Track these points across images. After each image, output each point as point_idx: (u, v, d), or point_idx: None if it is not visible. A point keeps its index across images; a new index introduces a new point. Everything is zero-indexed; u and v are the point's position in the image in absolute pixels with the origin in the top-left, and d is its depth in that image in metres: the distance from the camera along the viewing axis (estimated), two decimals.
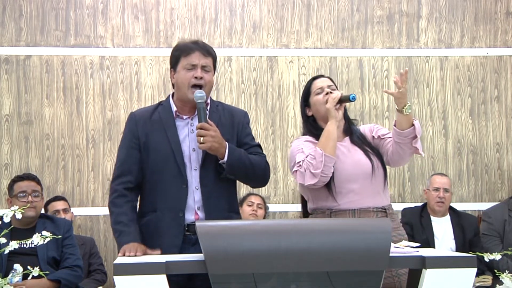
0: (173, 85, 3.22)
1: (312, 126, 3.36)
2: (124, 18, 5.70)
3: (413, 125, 3.14)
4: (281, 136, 5.75)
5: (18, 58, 5.57)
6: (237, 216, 3.24)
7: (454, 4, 5.94)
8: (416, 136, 3.15)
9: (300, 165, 3.15)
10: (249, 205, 5.29)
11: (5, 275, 3.06)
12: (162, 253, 2.90)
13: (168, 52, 5.52)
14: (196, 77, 3.09)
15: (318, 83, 3.36)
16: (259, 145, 3.28)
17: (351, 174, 3.18)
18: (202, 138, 2.97)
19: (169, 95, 3.26)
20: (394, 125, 3.18)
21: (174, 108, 3.17)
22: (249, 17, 5.81)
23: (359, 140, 3.30)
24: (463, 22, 5.94)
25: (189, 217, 3.03)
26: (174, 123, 3.13)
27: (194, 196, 3.05)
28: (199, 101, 3.04)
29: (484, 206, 5.66)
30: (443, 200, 5.26)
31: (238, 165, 3.06)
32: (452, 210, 5.39)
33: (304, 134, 3.41)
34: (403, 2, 5.92)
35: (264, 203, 5.41)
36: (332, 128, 3.15)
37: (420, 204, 5.46)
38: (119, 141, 5.42)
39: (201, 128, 2.99)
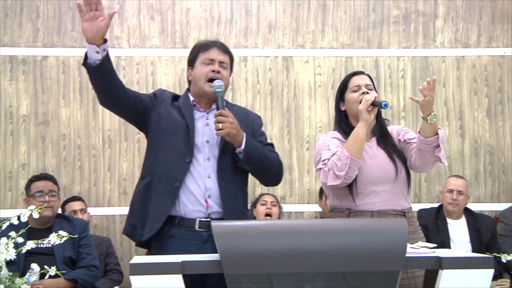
0: (189, 82, 3.26)
1: (343, 122, 3.34)
2: (140, 19, 5.72)
3: (437, 133, 3.11)
4: (297, 136, 5.74)
5: (35, 59, 5.60)
6: (248, 212, 3.27)
7: (471, 4, 5.91)
8: (439, 145, 3.11)
9: (325, 163, 3.14)
10: (263, 204, 5.30)
11: (22, 275, 3.07)
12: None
13: (184, 53, 5.63)
14: (213, 71, 3.12)
15: (356, 80, 3.32)
16: (272, 145, 3.31)
17: (374, 177, 3.17)
18: (220, 125, 2.98)
19: (186, 89, 3.31)
20: (419, 132, 3.15)
21: (191, 98, 3.22)
22: (264, 17, 5.81)
23: (386, 142, 3.28)
24: (480, 22, 5.91)
25: (198, 203, 3.04)
26: (191, 109, 3.18)
27: (206, 184, 3.05)
28: (218, 90, 3.09)
29: (501, 206, 5.63)
30: (457, 202, 5.22)
31: (254, 154, 3.08)
32: (468, 212, 5.35)
33: (334, 129, 3.39)
34: (419, 2, 5.90)
35: (277, 201, 5.41)
36: (361, 131, 3.12)
37: (436, 204, 5.44)
38: (135, 141, 5.55)
39: (220, 115, 3.01)
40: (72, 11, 5.66)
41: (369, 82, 3.33)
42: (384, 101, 3.16)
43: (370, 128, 3.27)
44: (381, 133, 3.32)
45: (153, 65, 5.69)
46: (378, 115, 3.31)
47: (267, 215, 5.24)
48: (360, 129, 3.13)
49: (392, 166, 3.21)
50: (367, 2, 5.87)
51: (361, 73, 3.42)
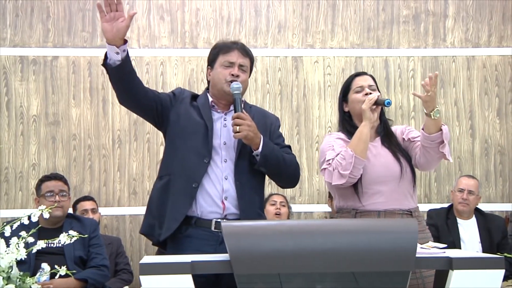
0: (208, 82, 3.26)
1: (347, 123, 3.34)
2: (149, 19, 5.74)
3: (441, 129, 3.10)
4: (306, 136, 5.74)
5: (45, 59, 5.63)
6: (264, 215, 3.26)
7: (481, 3, 5.89)
8: (443, 141, 3.10)
9: (329, 163, 3.14)
10: (272, 204, 5.30)
11: (32, 274, 3.08)
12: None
13: (193, 53, 5.66)
14: (232, 74, 3.11)
15: (359, 81, 3.32)
16: (289, 147, 3.31)
17: (379, 176, 3.16)
18: (238, 127, 2.98)
19: (205, 89, 3.30)
20: (422, 129, 3.15)
21: (210, 99, 3.21)
22: (274, 17, 5.81)
23: (390, 142, 3.28)
24: (491, 21, 5.89)
25: (215, 204, 3.03)
26: (210, 110, 3.17)
27: (223, 185, 3.05)
28: (236, 92, 3.07)
29: None
30: (467, 201, 5.21)
31: (271, 157, 3.07)
32: (478, 212, 5.34)
33: (338, 131, 3.40)
34: (429, 2, 5.88)
35: (287, 201, 5.41)
36: (365, 130, 3.12)
37: (446, 205, 5.42)
38: (144, 141, 5.56)
39: (237, 118, 3.01)
40: (82, 11, 5.69)
41: (372, 82, 3.32)
42: (387, 99, 3.16)
43: (374, 128, 3.26)
44: (385, 133, 3.31)
45: (163, 65, 5.70)
46: (382, 114, 3.31)
47: (277, 215, 5.24)
48: (364, 128, 3.12)
49: (397, 165, 3.19)
50: (376, 2, 5.86)
51: (364, 73, 3.42)
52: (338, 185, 3.12)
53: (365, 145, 3.11)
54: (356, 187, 3.15)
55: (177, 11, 5.76)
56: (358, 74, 3.40)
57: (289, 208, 5.41)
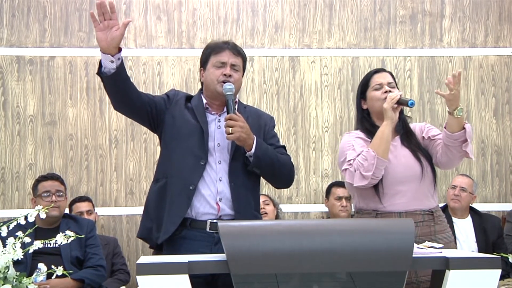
0: (201, 84, 3.26)
1: (366, 120, 3.30)
2: (146, 19, 5.73)
3: (464, 128, 3.08)
4: (303, 136, 5.74)
5: (42, 59, 5.62)
6: (260, 216, 3.25)
7: (478, 3, 5.90)
8: (466, 140, 3.08)
9: (350, 164, 3.10)
10: None
11: (29, 274, 3.08)
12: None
13: (190, 53, 5.65)
14: (225, 75, 3.11)
15: (378, 78, 3.28)
16: (284, 147, 3.29)
17: (400, 176, 3.13)
18: (230, 129, 2.98)
19: (199, 90, 3.29)
20: (445, 127, 3.11)
21: (204, 101, 3.20)
22: (271, 17, 5.80)
23: (410, 141, 3.24)
24: (487, 22, 5.90)
25: (209, 206, 3.03)
26: (204, 112, 3.17)
27: (217, 187, 3.05)
28: (228, 93, 3.07)
29: (509, 206, 5.61)
30: (458, 198, 5.22)
31: (265, 158, 3.07)
32: (474, 212, 5.34)
33: (356, 129, 3.35)
34: (426, 2, 5.89)
35: (271, 200, 5.36)
36: (387, 130, 3.08)
37: (442, 204, 5.42)
38: (141, 141, 5.56)
39: (230, 119, 3.00)
40: (79, 11, 5.68)
41: (391, 80, 3.28)
42: (410, 100, 3.10)
43: (393, 126, 3.19)
44: (404, 131, 3.27)
45: (159, 65, 5.70)
46: (401, 112, 3.24)
47: (262, 214, 5.18)
48: (386, 128, 3.08)
49: (418, 165, 3.16)
50: (373, 2, 5.86)
51: (383, 70, 3.37)
52: (360, 186, 3.09)
53: (387, 146, 3.06)
54: (377, 188, 3.11)
55: (174, 11, 5.76)
56: (376, 71, 3.35)
57: (275, 205, 5.36)
